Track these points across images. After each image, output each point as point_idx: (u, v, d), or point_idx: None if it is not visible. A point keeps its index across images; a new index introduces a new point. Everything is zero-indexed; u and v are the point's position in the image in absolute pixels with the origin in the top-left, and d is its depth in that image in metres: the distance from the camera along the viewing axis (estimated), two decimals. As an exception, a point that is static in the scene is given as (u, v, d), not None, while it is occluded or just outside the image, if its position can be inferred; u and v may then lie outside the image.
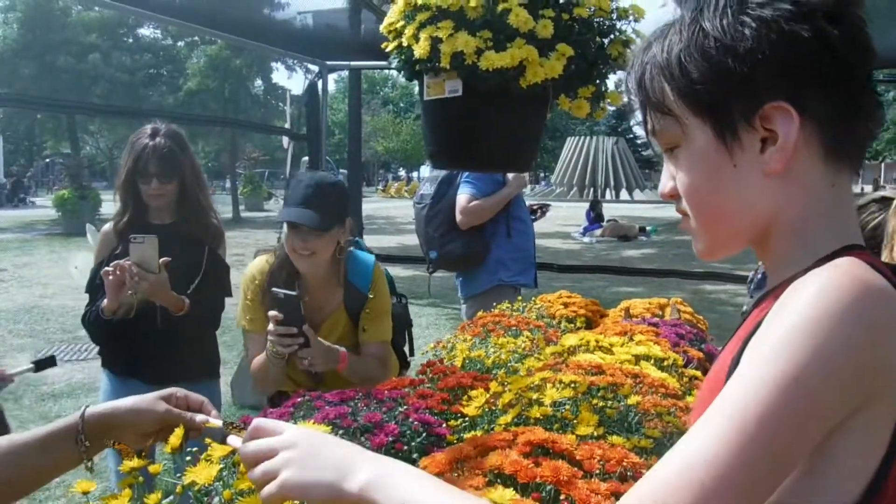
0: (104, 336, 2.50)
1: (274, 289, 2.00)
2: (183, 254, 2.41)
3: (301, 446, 0.81)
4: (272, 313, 1.96)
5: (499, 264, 3.69)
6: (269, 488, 0.80)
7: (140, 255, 2.23)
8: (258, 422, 0.87)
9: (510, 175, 3.66)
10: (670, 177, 0.85)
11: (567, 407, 1.36)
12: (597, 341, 2.00)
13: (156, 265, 2.25)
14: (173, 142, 2.48)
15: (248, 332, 2.23)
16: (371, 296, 2.21)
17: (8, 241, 14.84)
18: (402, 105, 53.42)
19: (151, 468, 1.10)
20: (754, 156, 0.75)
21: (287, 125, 6.87)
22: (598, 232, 17.10)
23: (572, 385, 1.48)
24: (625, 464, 1.13)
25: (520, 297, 3.12)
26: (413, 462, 1.24)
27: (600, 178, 30.19)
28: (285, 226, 2.12)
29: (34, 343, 6.70)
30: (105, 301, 2.31)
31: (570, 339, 1.98)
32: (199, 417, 1.16)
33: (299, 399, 1.35)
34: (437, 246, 3.68)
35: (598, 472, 1.12)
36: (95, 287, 2.47)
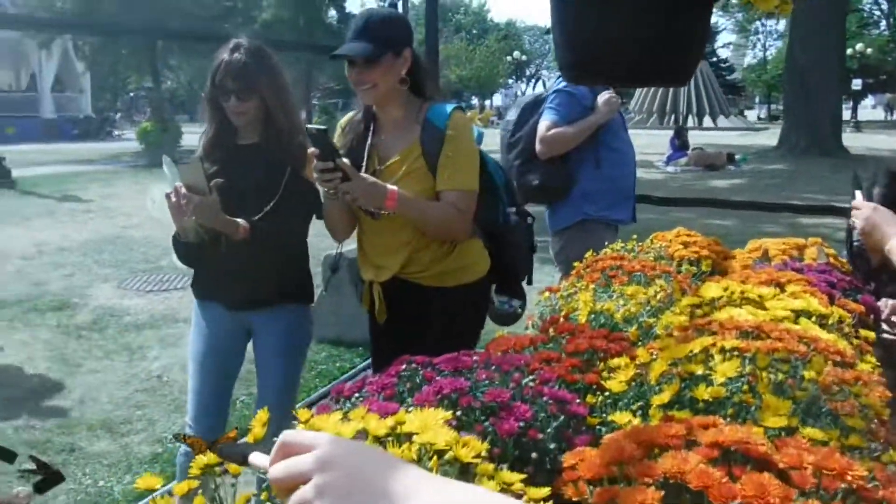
0: (182, 258, 2.47)
1: (307, 125, 2.03)
2: (261, 176, 2.33)
3: (340, 468, 0.61)
4: (310, 150, 1.95)
5: (584, 197, 3.34)
6: None
7: (187, 177, 2.18)
8: (287, 436, 0.66)
9: (599, 100, 3.29)
10: None
11: (744, 386, 1.06)
12: (742, 292, 1.67)
13: (205, 187, 2.17)
14: (252, 57, 2.31)
15: None
16: (450, 132, 2.09)
17: (95, 173, 15.24)
18: (474, 31, 51.95)
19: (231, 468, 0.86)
20: None
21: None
22: (683, 161, 16.27)
23: (737, 354, 1.17)
24: (849, 478, 0.83)
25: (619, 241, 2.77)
26: (548, 454, 0.98)
27: (682, 104, 28.74)
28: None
29: (118, 273, 6.77)
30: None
31: (711, 290, 1.66)
32: None
33: (403, 367, 1.09)
34: (515, 175, 3.37)
35: (811, 489, 0.82)
36: None
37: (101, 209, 10.21)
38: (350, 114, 2.34)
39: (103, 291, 6.21)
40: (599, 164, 3.32)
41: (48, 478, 1.59)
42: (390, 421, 0.83)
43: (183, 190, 2.14)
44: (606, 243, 2.34)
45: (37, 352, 4.84)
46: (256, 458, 0.75)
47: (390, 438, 0.82)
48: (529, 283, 2.45)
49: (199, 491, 0.86)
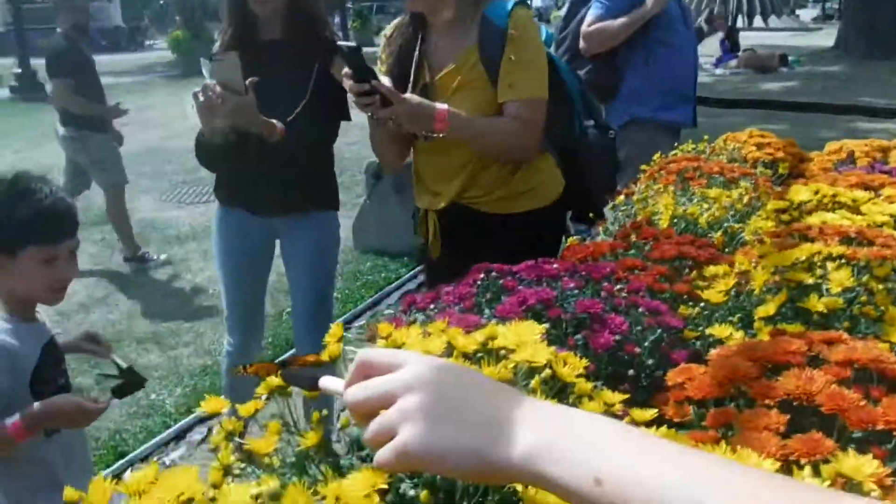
0: (207, 161, 2.37)
1: (338, 42, 1.79)
2: (289, 73, 2.18)
3: (429, 390, 0.52)
4: (343, 71, 1.70)
5: (633, 96, 3.12)
6: (384, 454, 0.52)
7: (222, 74, 2.03)
8: (366, 355, 0.57)
9: None
10: None
11: (862, 297, 0.95)
12: (835, 196, 1.53)
13: (241, 85, 2.01)
14: None
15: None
16: (512, 31, 1.79)
17: (129, 84, 15.11)
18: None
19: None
20: None
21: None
22: (733, 63, 15.52)
23: (844, 263, 1.06)
24: None
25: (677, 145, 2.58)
26: (644, 370, 0.89)
27: (731, 2, 27.26)
28: None
29: (158, 185, 6.75)
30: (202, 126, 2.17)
31: (801, 194, 1.52)
32: None
33: (481, 276, 1.00)
34: None
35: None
36: None
37: (137, 121, 10.10)
38: (397, 20, 2.07)
39: (145, 204, 6.21)
40: (649, 60, 3.10)
41: (128, 383, 1.62)
42: (480, 335, 0.74)
43: (217, 88, 2.00)
44: (661, 148, 2.18)
45: (82, 265, 4.89)
46: (328, 381, 0.66)
47: (481, 356, 0.74)
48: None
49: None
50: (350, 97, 1.77)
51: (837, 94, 11.26)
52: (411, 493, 0.64)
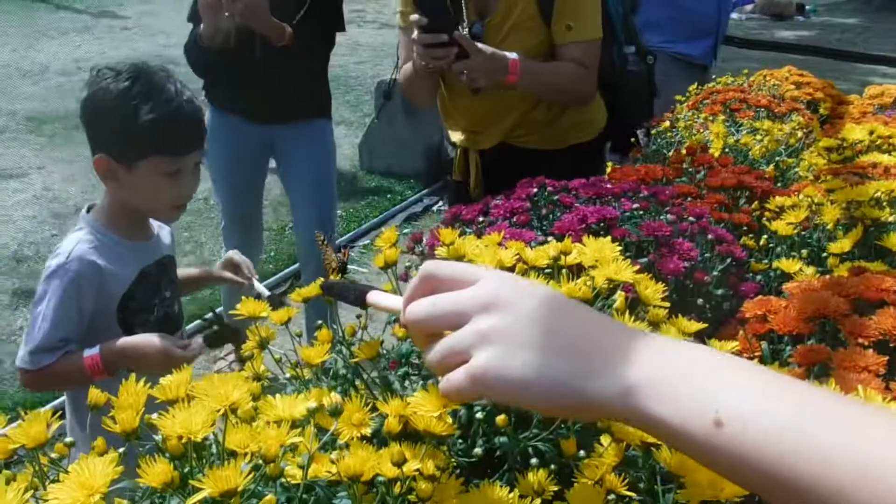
0: (203, 66, 2.30)
1: None
2: None
3: (511, 310, 0.44)
4: (414, 17, 1.51)
5: (648, 26, 2.95)
6: (457, 377, 0.45)
7: None
8: (432, 266, 0.48)
9: None
10: None
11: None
12: (890, 137, 1.46)
13: None
14: None
15: (403, 28, 1.80)
16: None
17: (128, -14, 14.59)
18: None
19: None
20: None
21: None
22: (749, 8, 15.17)
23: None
24: None
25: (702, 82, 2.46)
26: (712, 300, 0.83)
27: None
28: None
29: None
30: (203, 26, 2.07)
31: (855, 132, 1.45)
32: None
33: (534, 190, 0.93)
34: None
35: None
36: (196, 16, 2.22)
37: (139, 26, 9.81)
38: None
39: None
40: None
41: (221, 332, 1.44)
42: (552, 249, 0.67)
43: None
44: (676, 82, 2.08)
45: (79, 170, 4.77)
46: (379, 296, 0.58)
47: (550, 271, 0.67)
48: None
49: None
50: (416, 45, 1.56)
51: (852, 45, 11.04)
52: (479, 415, 0.58)
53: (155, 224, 1.47)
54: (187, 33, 2.30)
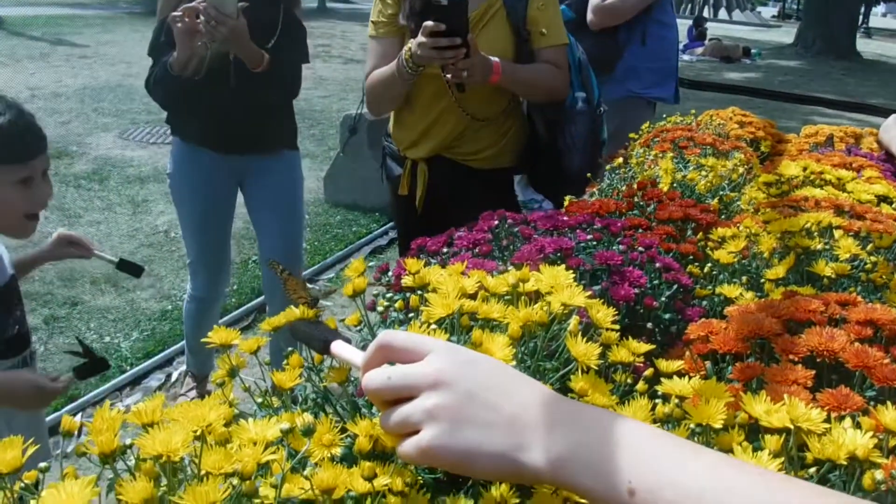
0: (173, 96, 2.24)
1: None
2: (257, 10, 2.13)
3: (455, 388, 0.50)
4: (429, 24, 1.68)
5: (630, 73, 3.14)
6: (408, 448, 0.51)
7: None
8: (387, 336, 0.54)
9: None
10: None
11: (867, 265, 0.96)
12: (822, 173, 1.56)
13: (234, 8, 1.96)
14: None
15: (376, 37, 1.98)
16: None
17: (90, 17, 14.47)
18: None
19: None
20: None
21: None
22: (700, 50, 15.81)
23: (842, 231, 1.07)
24: None
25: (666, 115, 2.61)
26: (660, 324, 0.89)
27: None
28: None
29: (119, 122, 6.52)
30: (174, 54, 2.05)
31: (791, 168, 1.54)
32: None
33: (495, 222, 0.98)
34: None
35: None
36: (159, 47, 2.21)
37: (98, 55, 9.74)
38: None
39: (103, 141, 6.00)
40: (646, 39, 3.12)
41: (90, 364, 1.46)
42: (511, 277, 0.73)
43: (212, 11, 1.91)
44: (643, 121, 2.20)
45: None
46: (341, 348, 0.63)
47: (510, 297, 0.72)
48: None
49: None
50: (424, 46, 1.71)
51: (794, 87, 11.57)
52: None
53: None
54: (148, 65, 2.27)
